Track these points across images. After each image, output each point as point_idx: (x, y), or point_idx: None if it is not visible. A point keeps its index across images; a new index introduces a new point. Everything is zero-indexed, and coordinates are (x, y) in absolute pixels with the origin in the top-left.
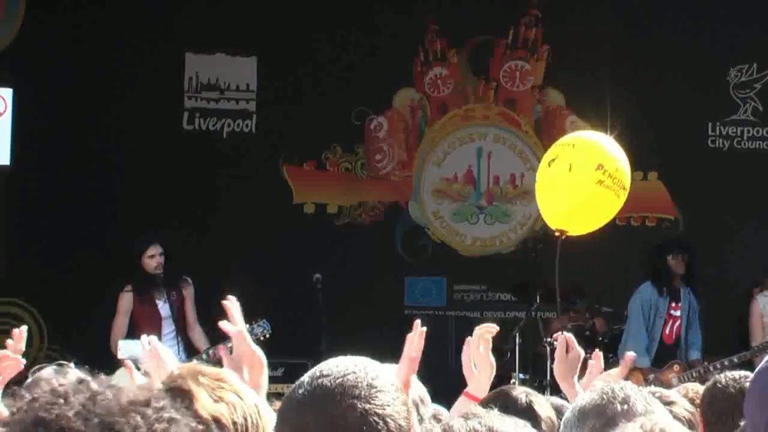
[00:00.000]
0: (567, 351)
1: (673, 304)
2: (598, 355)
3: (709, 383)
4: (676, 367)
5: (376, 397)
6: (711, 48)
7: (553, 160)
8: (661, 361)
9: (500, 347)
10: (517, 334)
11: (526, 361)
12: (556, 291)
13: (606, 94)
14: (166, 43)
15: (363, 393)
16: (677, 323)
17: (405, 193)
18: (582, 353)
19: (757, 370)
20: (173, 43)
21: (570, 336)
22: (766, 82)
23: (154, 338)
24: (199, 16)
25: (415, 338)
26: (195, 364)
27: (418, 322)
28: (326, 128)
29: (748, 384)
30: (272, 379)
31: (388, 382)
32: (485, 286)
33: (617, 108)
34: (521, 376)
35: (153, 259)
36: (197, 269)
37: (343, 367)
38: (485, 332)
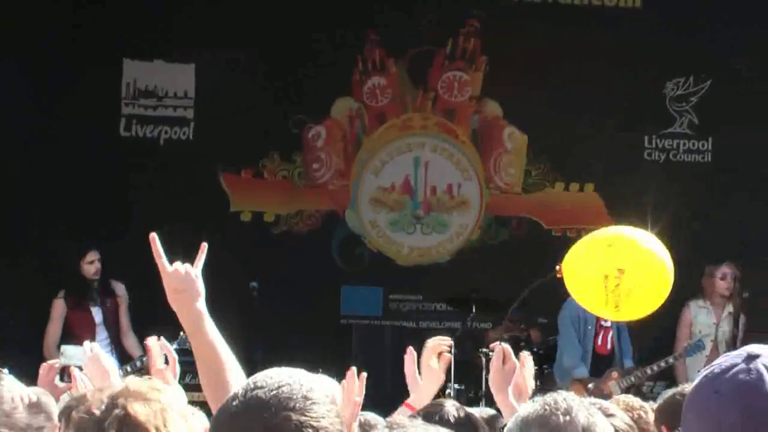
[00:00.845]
0: (503, 362)
1: None
2: (525, 356)
3: (668, 395)
4: (614, 374)
5: (311, 409)
6: (648, 62)
7: (612, 245)
8: (600, 371)
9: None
10: (453, 345)
11: (461, 372)
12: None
13: (543, 106)
14: (103, 49)
15: (298, 405)
16: (609, 334)
17: (342, 202)
18: (517, 364)
19: (695, 384)
20: (111, 49)
21: (507, 346)
22: (702, 95)
23: (96, 345)
24: (138, 22)
25: (355, 385)
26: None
27: (353, 369)
28: (264, 136)
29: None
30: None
31: (323, 394)
32: (421, 296)
33: (554, 120)
34: (456, 386)
35: (92, 264)
36: (133, 276)
37: (277, 378)
38: (438, 345)
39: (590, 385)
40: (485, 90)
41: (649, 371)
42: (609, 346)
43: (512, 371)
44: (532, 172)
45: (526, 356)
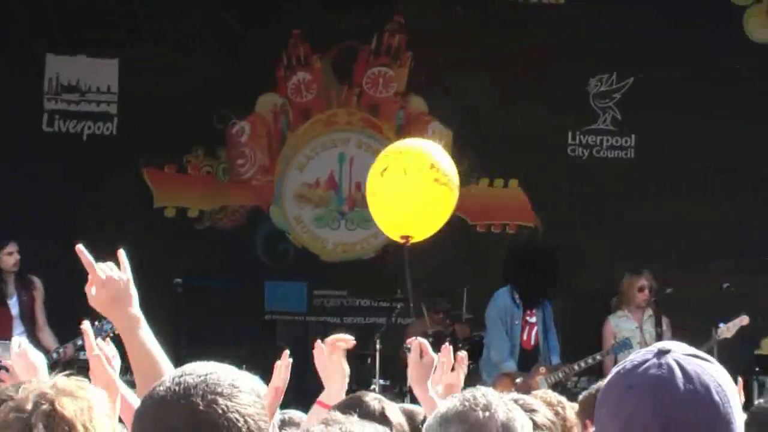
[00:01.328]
0: (421, 356)
1: (528, 311)
2: (448, 349)
3: (592, 389)
4: (542, 370)
5: (238, 396)
6: (571, 58)
7: (385, 169)
8: (526, 367)
9: (361, 353)
10: (378, 340)
11: (386, 367)
12: (410, 299)
13: (468, 101)
14: (26, 44)
15: (225, 391)
16: (534, 330)
17: (266, 197)
18: (435, 358)
19: (607, 380)
20: (34, 44)
21: (423, 341)
22: (625, 92)
23: (24, 340)
24: (61, 17)
25: (282, 369)
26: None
27: (286, 352)
28: (188, 132)
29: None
30: (130, 384)
31: (249, 386)
32: (346, 291)
33: (479, 115)
34: (381, 382)
35: (11, 256)
36: (53, 271)
37: (205, 368)
38: (336, 341)
39: (518, 380)
40: (410, 86)
41: (576, 367)
42: (533, 342)
43: (430, 365)
44: (457, 168)
45: (463, 357)
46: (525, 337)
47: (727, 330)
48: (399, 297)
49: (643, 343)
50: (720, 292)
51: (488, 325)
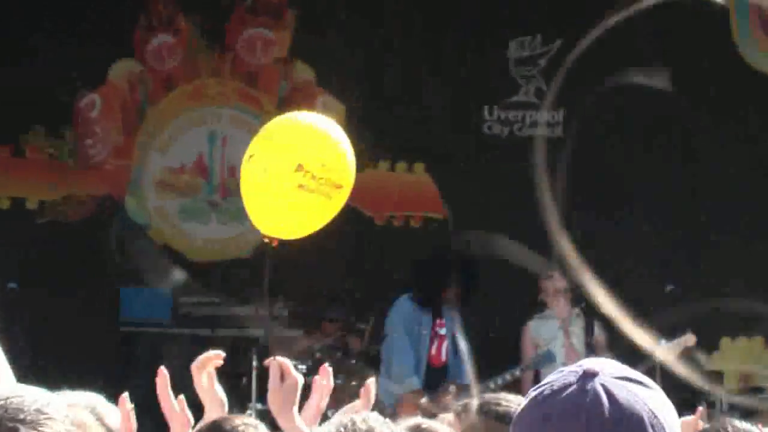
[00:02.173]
0: (282, 378)
1: (438, 320)
2: (327, 370)
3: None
4: (452, 389)
5: (45, 423)
6: (487, 18)
7: (252, 155)
8: (432, 386)
9: (235, 371)
10: (255, 356)
11: (265, 388)
12: (266, 307)
13: (363, 70)
14: None
15: (29, 418)
16: (444, 343)
17: (121, 185)
18: (301, 379)
19: (522, 407)
20: None
21: (283, 360)
22: (551, 57)
23: None
24: None
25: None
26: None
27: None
28: (26, 106)
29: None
30: None
31: (61, 414)
32: (218, 298)
33: (377, 86)
34: (259, 406)
35: None
36: None
37: (8, 391)
38: (206, 362)
39: (423, 400)
40: (294, 51)
41: (492, 385)
42: (444, 358)
43: (294, 387)
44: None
45: (371, 384)
46: (434, 351)
47: (667, 350)
48: (282, 304)
49: (568, 349)
50: (663, 296)
51: (389, 334)
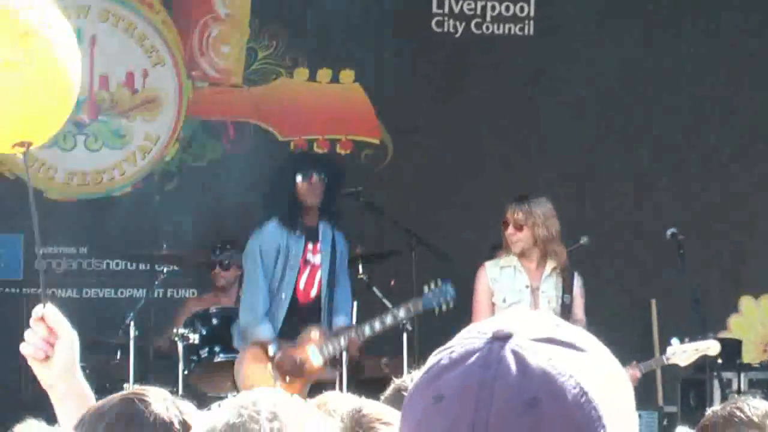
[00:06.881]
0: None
1: (310, 246)
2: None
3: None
4: (314, 336)
5: None
6: None
7: None
8: (297, 329)
9: (107, 342)
10: (132, 323)
11: (146, 364)
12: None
13: None
14: None
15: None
16: (317, 275)
17: None
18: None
19: (414, 382)
20: None
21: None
22: None
23: None
24: None
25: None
26: None
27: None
28: None
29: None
30: None
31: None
32: (86, 248)
33: None
34: (137, 386)
35: None
36: None
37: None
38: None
39: (275, 351)
40: None
41: (368, 330)
42: (315, 293)
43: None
44: (260, 53)
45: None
46: (303, 285)
47: (682, 353)
48: (167, 255)
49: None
50: (664, 242)
51: (245, 271)
